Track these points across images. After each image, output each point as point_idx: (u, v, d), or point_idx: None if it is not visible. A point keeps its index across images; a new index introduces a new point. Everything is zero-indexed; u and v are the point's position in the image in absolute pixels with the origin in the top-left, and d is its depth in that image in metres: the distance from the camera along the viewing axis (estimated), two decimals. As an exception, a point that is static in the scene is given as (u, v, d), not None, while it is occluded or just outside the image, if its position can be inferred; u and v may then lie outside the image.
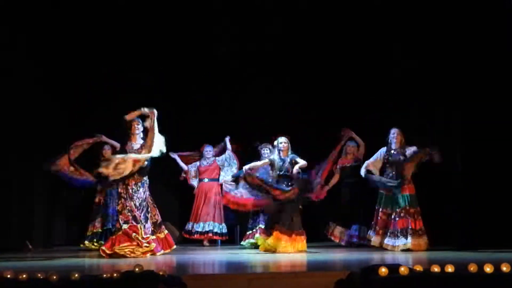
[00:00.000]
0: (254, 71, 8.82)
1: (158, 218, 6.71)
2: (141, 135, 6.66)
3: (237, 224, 8.63)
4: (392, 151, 7.18)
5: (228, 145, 8.50)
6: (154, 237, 6.50)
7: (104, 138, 7.55)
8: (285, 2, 8.26)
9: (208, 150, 8.53)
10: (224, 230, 8.39)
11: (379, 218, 7.11)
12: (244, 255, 6.61)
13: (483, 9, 7.05)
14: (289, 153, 7.15)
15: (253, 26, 8.45)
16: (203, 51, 8.60)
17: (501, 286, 3.71)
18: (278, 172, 7.07)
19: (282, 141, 7.19)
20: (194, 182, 8.55)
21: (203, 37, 8.51)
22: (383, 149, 7.30)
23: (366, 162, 7.34)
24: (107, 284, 3.50)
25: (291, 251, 6.71)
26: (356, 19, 8.27)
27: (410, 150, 7.11)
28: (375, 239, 7.09)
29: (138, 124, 6.65)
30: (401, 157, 7.08)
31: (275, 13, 8.36)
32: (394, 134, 7.16)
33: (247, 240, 7.90)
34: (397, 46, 8.09)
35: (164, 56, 8.53)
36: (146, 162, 6.46)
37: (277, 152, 7.19)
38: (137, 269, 3.62)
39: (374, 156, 7.32)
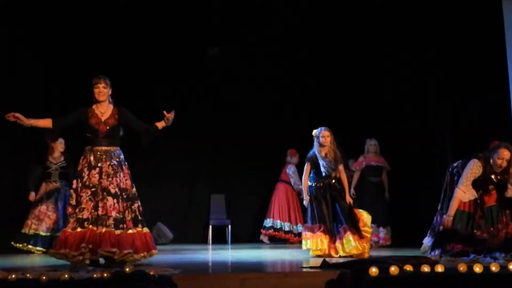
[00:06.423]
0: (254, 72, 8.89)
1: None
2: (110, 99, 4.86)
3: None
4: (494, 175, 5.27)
5: None
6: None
7: None
8: (285, 2, 8.28)
9: None
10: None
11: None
12: (235, 254, 6.60)
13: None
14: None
15: (252, 26, 8.49)
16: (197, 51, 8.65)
17: (490, 286, 3.73)
18: None
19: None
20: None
21: (197, 37, 8.54)
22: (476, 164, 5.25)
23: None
24: (98, 284, 3.48)
25: None
26: (359, 19, 8.33)
27: None
28: None
29: (105, 87, 4.81)
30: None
31: (275, 13, 8.39)
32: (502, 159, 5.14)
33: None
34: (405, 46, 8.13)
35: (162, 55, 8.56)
36: None
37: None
38: (127, 269, 3.61)
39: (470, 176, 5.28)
